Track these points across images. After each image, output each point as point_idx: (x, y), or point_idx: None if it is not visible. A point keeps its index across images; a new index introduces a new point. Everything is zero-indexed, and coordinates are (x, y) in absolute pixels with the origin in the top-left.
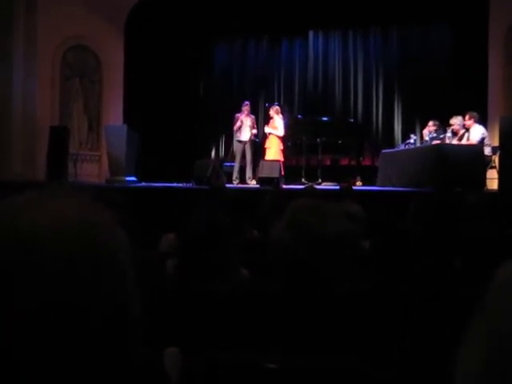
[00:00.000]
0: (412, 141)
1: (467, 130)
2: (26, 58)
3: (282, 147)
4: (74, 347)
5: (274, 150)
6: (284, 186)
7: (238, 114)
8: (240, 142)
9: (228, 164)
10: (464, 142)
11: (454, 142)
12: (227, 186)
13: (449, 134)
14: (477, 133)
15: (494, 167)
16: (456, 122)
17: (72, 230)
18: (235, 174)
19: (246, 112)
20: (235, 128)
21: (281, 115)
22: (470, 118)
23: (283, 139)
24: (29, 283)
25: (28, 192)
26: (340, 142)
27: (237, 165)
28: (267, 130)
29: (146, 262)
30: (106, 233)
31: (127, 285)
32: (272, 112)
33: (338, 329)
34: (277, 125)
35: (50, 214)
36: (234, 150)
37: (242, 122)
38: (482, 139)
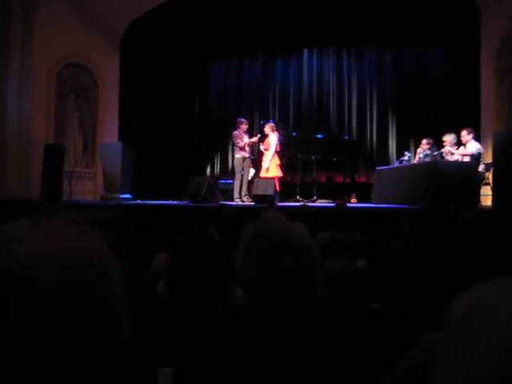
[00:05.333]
0: (406, 158)
1: (463, 145)
2: (21, 76)
3: (278, 162)
4: (67, 376)
5: (273, 167)
6: (279, 204)
7: (236, 132)
8: (244, 158)
9: (223, 181)
10: (461, 151)
11: (454, 151)
12: (222, 203)
13: (448, 148)
14: (473, 146)
15: (488, 184)
16: (448, 139)
17: (66, 261)
18: (236, 192)
19: (245, 129)
20: (244, 145)
21: (276, 132)
22: (468, 133)
23: (279, 154)
24: (21, 313)
25: (22, 220)
26: (335, 159)
27: (237, 182)
28: (262, 147)
29: (138, 282)
30: (101, 265)
31: (120, 315)
32: (267, 129)
33: (327, 349)
34: (270, 141)
35: (45, 245)
36: (234, 167)
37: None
38: (479, 154)
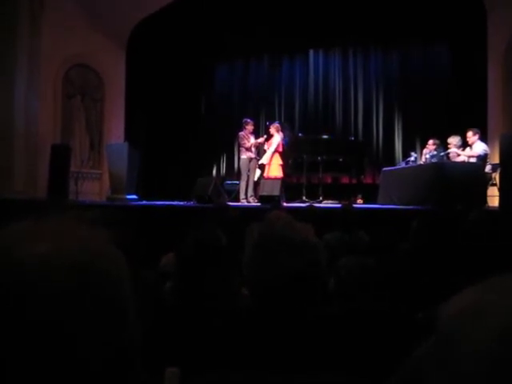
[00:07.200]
0: (413, 158)
1: (470, 146)
2: (28, 76)
3: (281, 162)
4: (70, 377)
5: (274, 167)
6: (285, 204)
7: (242, 133)
8: (250, 159)
9: (229, 182)
10: (467, 152)
11: (460, 152)
12: (229, 204)
13: (454, 149)
14: (479, 147)
15: (495, 184)
16: (453, 141)
17: (72, 261)
18: (242, 193)
19: (251, 129)
20: (250, 145)
21: (281, 133)
22: (474, 134)
23: (282, 155)
24: (27, 315)
25: (28, 220)
26: (341, 160)
27: (243, 183)
28: (266, 147)
29: (145, 281)
30: (108, 264)
31: (128, 315)
32: (272, 130)
33: (331, 347)
34: (272, 141)
35: (51, 244)
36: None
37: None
38: (485, 155)
